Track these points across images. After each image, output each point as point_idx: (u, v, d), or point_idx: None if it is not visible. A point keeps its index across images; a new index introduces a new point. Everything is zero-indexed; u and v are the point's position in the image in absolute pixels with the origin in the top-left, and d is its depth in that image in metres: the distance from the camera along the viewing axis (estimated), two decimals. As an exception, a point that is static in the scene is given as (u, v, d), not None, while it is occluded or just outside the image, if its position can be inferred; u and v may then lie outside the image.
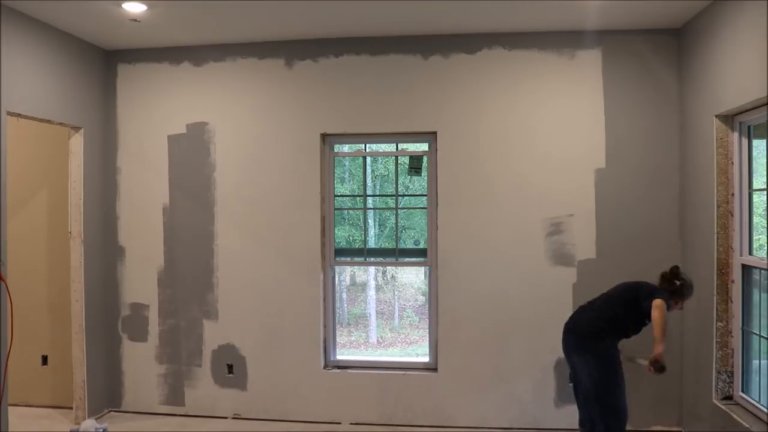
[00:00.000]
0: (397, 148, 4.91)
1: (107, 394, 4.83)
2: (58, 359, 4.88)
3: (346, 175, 13.31)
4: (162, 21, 4.15)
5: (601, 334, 3.52)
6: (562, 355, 4.39)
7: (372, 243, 13.69)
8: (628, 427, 4.36)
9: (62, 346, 4.79)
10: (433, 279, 4.66)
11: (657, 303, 3.36)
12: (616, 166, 4.36)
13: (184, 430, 4.53)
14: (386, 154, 5.85)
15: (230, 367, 4.74)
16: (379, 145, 5.07)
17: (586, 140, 4.39)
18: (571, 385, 3.87)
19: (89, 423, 4.26)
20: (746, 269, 3.63)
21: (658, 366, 3.33)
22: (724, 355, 3.73)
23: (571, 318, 3.77)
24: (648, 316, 3.41)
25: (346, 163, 12.56)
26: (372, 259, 5.43)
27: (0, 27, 3.67)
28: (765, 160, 3.59)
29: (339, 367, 4.74)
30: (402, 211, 11.30)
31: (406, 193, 11.99)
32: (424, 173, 4.77)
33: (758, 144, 3.66)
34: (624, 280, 4.35)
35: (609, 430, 3.49)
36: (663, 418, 4.34)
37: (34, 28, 4.03)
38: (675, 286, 3.54)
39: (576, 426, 3.87)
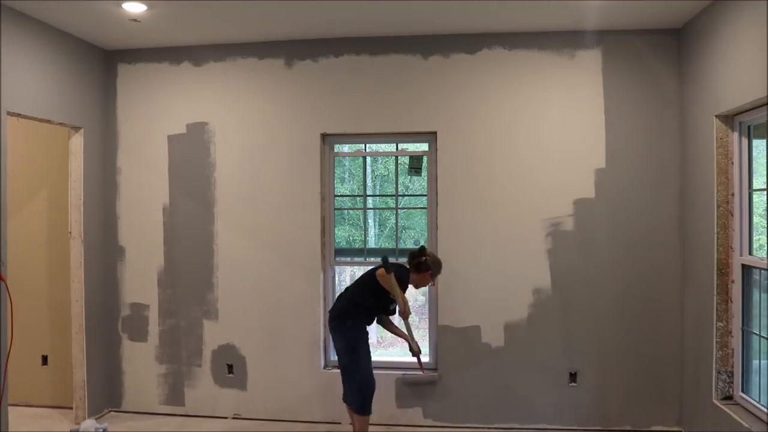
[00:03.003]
0: (397, 148, 4.91)
1: (107, 394, 4.83)
2: (58, 359, 4.88)
3: (346, 175, 13.30)
4: (162, 21, 4.15)
5: (346, 315, 3.88)
6: (563, 355, 4.42)
7: (372, 243, 13.68)
8: (627, 427, 4.40)
9: (62, 346, 4.79)
10: (433, 279, 4.66)
11: (378, 272, 3.79)
12: (616, 166, 4.36)
13: (184, 430, 4.53)
14: (386, 154, 5.85)
15: (230, 367, 4.74)
16: (379, 145, 5.07)
17: (586, 140, 4.39)
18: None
19: (89, 423, 4.27)
20: (746, 269, 3.63)
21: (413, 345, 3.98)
22: (724, 355, 3.73)
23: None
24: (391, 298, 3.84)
25: (346, 163, 12.56)
26: (372, 259, 5.42)
27: (0, 27, 3.67)
28: (765, 160, 3.59)
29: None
30: (402, 211, 11.29)
31: (406, 193, 11.97)
32: (424, 173, 4.77)
33: (758, 144, 3.66)
34: (624, 280, 4.37)
35: (359, 402, 3.86)
36: (663, 418, 4.34)
37: (34, 28, 4.03)
38: (421, 261, 3.85)
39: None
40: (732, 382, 3.72)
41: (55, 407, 4.89)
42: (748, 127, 3.64)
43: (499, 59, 4.46)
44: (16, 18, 3.84)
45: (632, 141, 4.35)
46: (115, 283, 4.86)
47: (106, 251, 4.84)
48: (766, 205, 3.58)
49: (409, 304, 3.85)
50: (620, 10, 3.94)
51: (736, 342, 3.69)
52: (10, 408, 3.97)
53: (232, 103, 4.72)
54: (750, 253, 3.63)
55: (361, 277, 4.01)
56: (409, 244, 13.26)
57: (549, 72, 4.41)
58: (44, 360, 4.96)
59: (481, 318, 4.48)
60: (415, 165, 4.81)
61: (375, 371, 4.63)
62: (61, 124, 4.37)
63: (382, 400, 4.57)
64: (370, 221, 13.97)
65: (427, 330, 4.89)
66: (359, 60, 4.58)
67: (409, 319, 3.88)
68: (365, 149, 5.06)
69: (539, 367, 4.44)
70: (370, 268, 4.01)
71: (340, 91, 4.60)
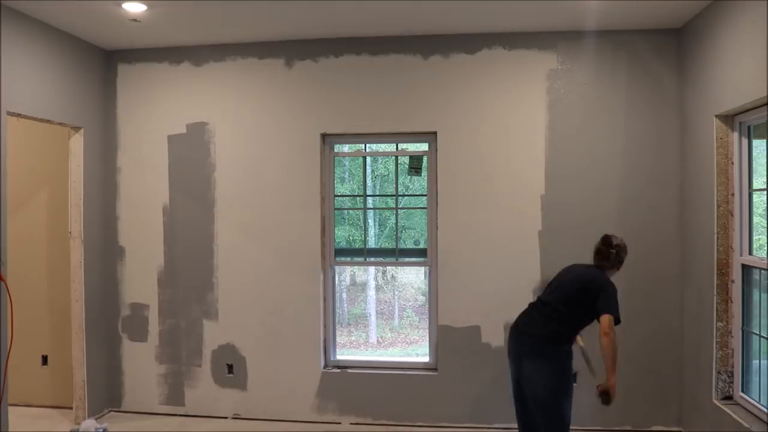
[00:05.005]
0: (397, 148, 4.91)
1: (107, 394, 4.83)
2: (58, 359, 4.88)
3: (346, 175, 13.31)
4: (162, 21, 4.15)
5: (561, 338, 3.29)
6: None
7: (372, 243, 13.69)
8: (627, 427, 4.39)
9: (62, 346, 4.79)
10: (433, 279, 4.66)
11: (605, 325, 3.12)
12: (615, 166, 4.36)
13: (184, 430, 4.53)
14: (386, 154, 5.85)
15: (230, 367, 4.74)
16: (379, 145, 5.07)
17: (585, 140, 4.38)
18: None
19: (89, 423, 4.26)
20: (746, 269, 3.63)
21: (606, 398, 3.16)
22: (724, 355, 3.74)
23: (524, 318, 3.49)
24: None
25: (346, 163, 12.57)
26: (372, 259, 5.43)
27: (0, 27, 3.67)
28: (765, 160, 3.59)
29: (339, 367, 4.74)
30: (402, 211, 11.29)
31: (406, 193, 11.99)
32: (424, 173, 4.77)
33: (758, 144, 3.66)
34: (624, 280, 4.35)
35: None
36: (663, 418, 4.34)
37: (34, 28, 4.03)
38: (612, 256, 3.38)
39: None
40: (732, 382, 3.72)
41: (55, 407, 4.89)
42: (748, 127, 3.64)
43: (499, 59, 4.46)
44: (16, 18, 3.84)
45: (632, 141, 4.35)
46: (115, 283, 4.86)
47: (106, 251, 4.84)
48: (766, 205, 3.58)
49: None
50: (620, 10, 3.94)
51: (736, 342, 3.69)
52: (10, 408, 3.97)
53: (232, 103, 4.72)
54: (750, 253, 3.63)
55: (572, 287, 3.35)
56: (410, 244, 13.28)
57: (549, 72, 4.41)
58: (44, 360, 4.96)
59: (481, 318, 4.48)
60: (415, 165, 4.81)
61: (375, 371, 4.69)
62: (61, 124, 4.37)
63: (383, 400, 4.58)
64: (370, 221, 13.98)
65: (427, 330, 4.89)
66: (359, 60, 4.58)
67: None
68: (365, 149, 5.06)
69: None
70: (577, 274, 3.43)
71: (340, 91, 4.60)
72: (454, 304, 4.51)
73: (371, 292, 14.00)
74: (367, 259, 5.22)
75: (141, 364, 4.83)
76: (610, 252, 3.40)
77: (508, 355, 3.53)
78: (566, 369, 3.28)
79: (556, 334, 3.30)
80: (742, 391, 3.66)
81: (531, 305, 3.57)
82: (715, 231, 3.73)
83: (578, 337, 3.51)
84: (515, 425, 4.44)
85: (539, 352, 3.29)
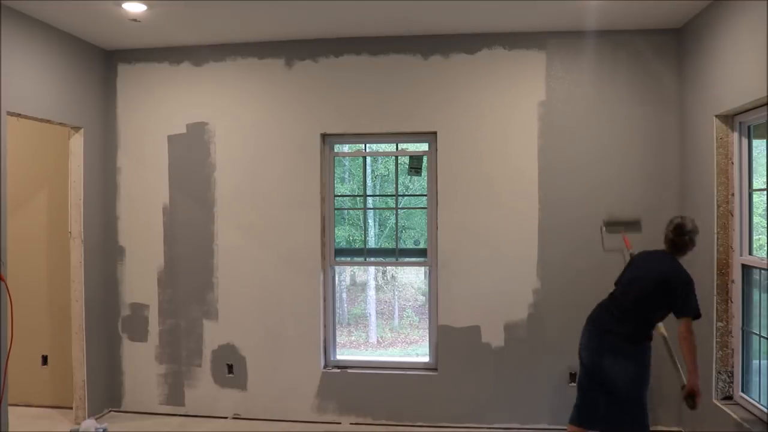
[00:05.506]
0: (397, 148, 4.91)
1: (107, 394, 4.83)
2: (58, 359, 4.88)
3: (346, 175, 13.32)
4: (162, 21, 4.15)
5: (640, 337, 3.32)
6: (563, 355, 4.39)
7: (372, 243, 13.70)
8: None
9: (62, 346, 4.79)
10: (433, 279, 4.66)
11: (683, 329, 3.16)
12: (615, 166, 4.36)
13: (184, 430, 4.53)
14: (386, 154, 5.85)
15: (230, 367, 4.74)
16: (379, 145, 5.07)
17: (586, 140, 4.39)
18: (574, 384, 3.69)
19: (89, 423, 4.27)
20: (746, 269, 3.63)
21: (691, 401, 3.23)
22: (724, 355, 3.74)
23: (601, 314, 3.45)
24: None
25: (346, 163, 12.57)
26: (372, 259, 5.43)
27: (0, 27, 3.67)
28: (765, 160, 3.59)
29: (339, 367, 4.74)
30: (402, 211, 11.30)
31: (406, 193, 11.99)
32: (424, 173, 4.77)
33: (758, 144, 3.66)
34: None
35: None
36: (663, 418, 4.34)
37: (34, 28, 4.03)
38: (687, 244, 3.32)
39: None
40: (732, 382, 3.73)
41: (55, 407, 4.89)
42: (748, 127, 3.64)
43: (499, 59, 4.46)
44: (16, 18, 3.84)
45: (632, 141, 4.35)
46: (115, 283, 4.86)
47: (106, 251, 4.84)
48: (766, 205, 3.58)
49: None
50: (620, 10, 3.94)
51: (736, 342, 3.69)
52: (10, 408, 3.97)
53: (233, 103, 4.72)
54: (750, 253, 3.63)
55: (648, 287, 3.28)
56: (410, 244, 13.29)
57: (549, 72, 4.41)
58: (44, 360, 4.96)
59: (481, 318, 4.48)
60: (415, 165, 4.81)
61: (375, 371, 4.69)
62: (61, 124, 4.37)
63: (383, 400, 4.58)
64: (370, 221, 13.99)
65: (427, 330, 4.89)
66: (359, 60, 4.58)
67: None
68: (365, 149, 5.06)
69: (539, 367, 4.44)
70: (654, 274, 3.29)
71: (341, 91, 4.60)
72: (454, 304, 4.51)
73: (371, 292, 14.01)
74: (367, 259, 5.22)
75: (141, 364, 4.83)
76: (684, 240, 3.32)
77: (582, 348, 3.49)
78: (647, 364, 3.32)
79: (636, 333, 3.31)
80: (742, 391, 3.67)
81: (608, 300, 3.48)
82: (715, 231, 3.73)
83: (660, 325, 3.53)
84: (515, 425, 4.46)
85: (620, 351, 3.30)
